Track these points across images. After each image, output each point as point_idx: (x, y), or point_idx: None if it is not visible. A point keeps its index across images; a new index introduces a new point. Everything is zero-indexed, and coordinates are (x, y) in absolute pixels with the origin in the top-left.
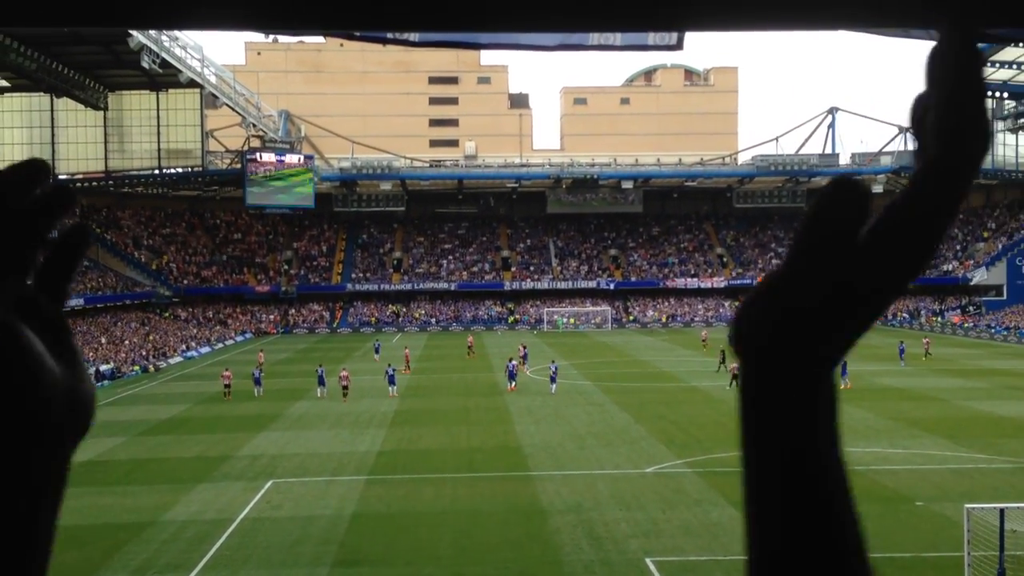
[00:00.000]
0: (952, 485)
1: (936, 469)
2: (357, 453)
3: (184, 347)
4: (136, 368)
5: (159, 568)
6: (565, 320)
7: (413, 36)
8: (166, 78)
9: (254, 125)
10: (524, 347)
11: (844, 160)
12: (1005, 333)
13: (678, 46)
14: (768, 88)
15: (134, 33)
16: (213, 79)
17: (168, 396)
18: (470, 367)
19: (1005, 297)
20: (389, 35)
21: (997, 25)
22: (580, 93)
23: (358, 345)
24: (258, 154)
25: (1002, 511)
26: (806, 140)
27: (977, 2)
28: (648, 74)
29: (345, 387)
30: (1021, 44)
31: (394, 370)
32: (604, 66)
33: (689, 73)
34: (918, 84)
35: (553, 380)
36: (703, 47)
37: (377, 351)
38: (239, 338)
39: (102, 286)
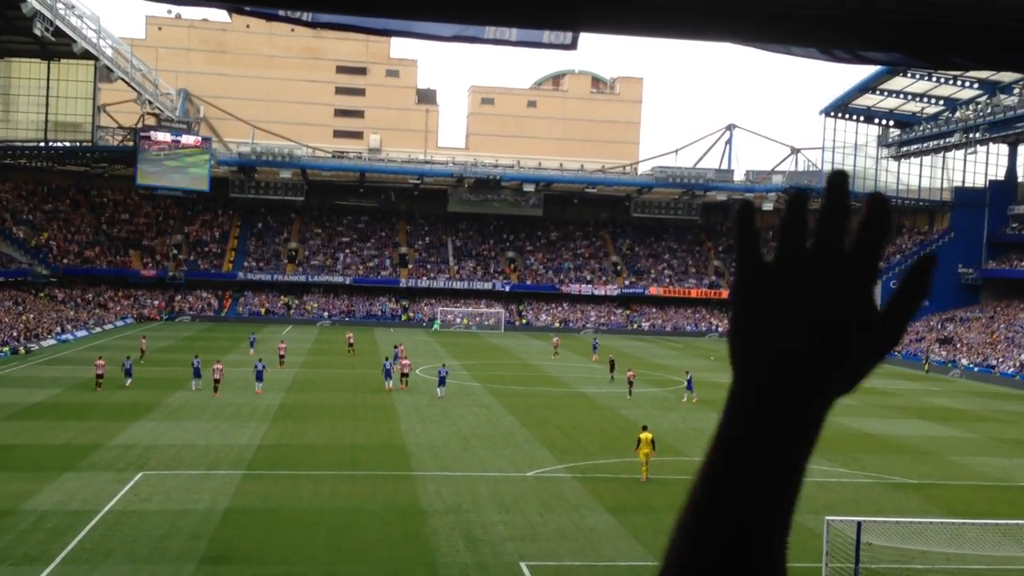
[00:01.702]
0: (815, 498)
1: None
2: (236, 446)
3: (59, 329)
4: (5, 349)
5: (16, 559)
6: (458, 320)
7: (306, 15)
8: (59, 47)
9: (150, 102)
10: (397, 347)
11: (739, 176)
12: None
13: (572, 46)
14: (670, 101)
15: None
16: (109, 51)
17: (38, 380)
18: (358, 363)
19: None
20: (281, 12)
21: (877, 50)
22: (488, 93)
23: (246, 335)
24: (152, 132)
25: (859, 524)
26: (704, 154)
27: (854, 28)
28: (556, 78)
29: (217, 380)
30: (908, 73)
31: (264, 365)
32: (512, 67)
33: (596, 80)
34: (808, 106)
35: (442, 383)
36: (609, 55)
37: (252, 344)
38: (119, 323)
39: None
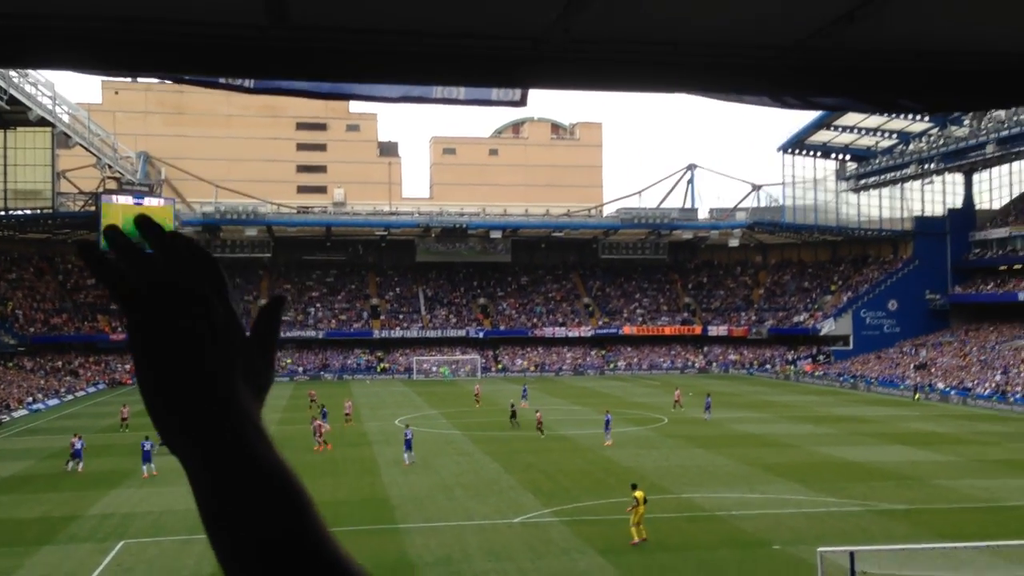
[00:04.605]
0: (806, 528)
1: (791, 513)
2: None
3: (30, 399)
4: None
5: None
6: (434, 368)
7: (247, 82)
8: (14, 115)
9: (110, 166)
10: (348, 402)
11: (703, 215)
12: (852, 381)
13: (521, 102)
14: (631, 143)
15: None
16: (66, 118)
17: (10, 452)
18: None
19: (851, 347)
20: (221, 80)
21: (826, 95)
22: (449, 143)
23: None
24: (114, 197)
25: (852, 553)
26: (667, 195)
27: (798, 74)
28: (516, 126)
29: None
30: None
31: (152, 444)
32: (472, 117)
33: (556, 127)
34: (766, 144)
35: (408, 447)
36: (567, 101)
37: None
38: (91, 389)
39: None
